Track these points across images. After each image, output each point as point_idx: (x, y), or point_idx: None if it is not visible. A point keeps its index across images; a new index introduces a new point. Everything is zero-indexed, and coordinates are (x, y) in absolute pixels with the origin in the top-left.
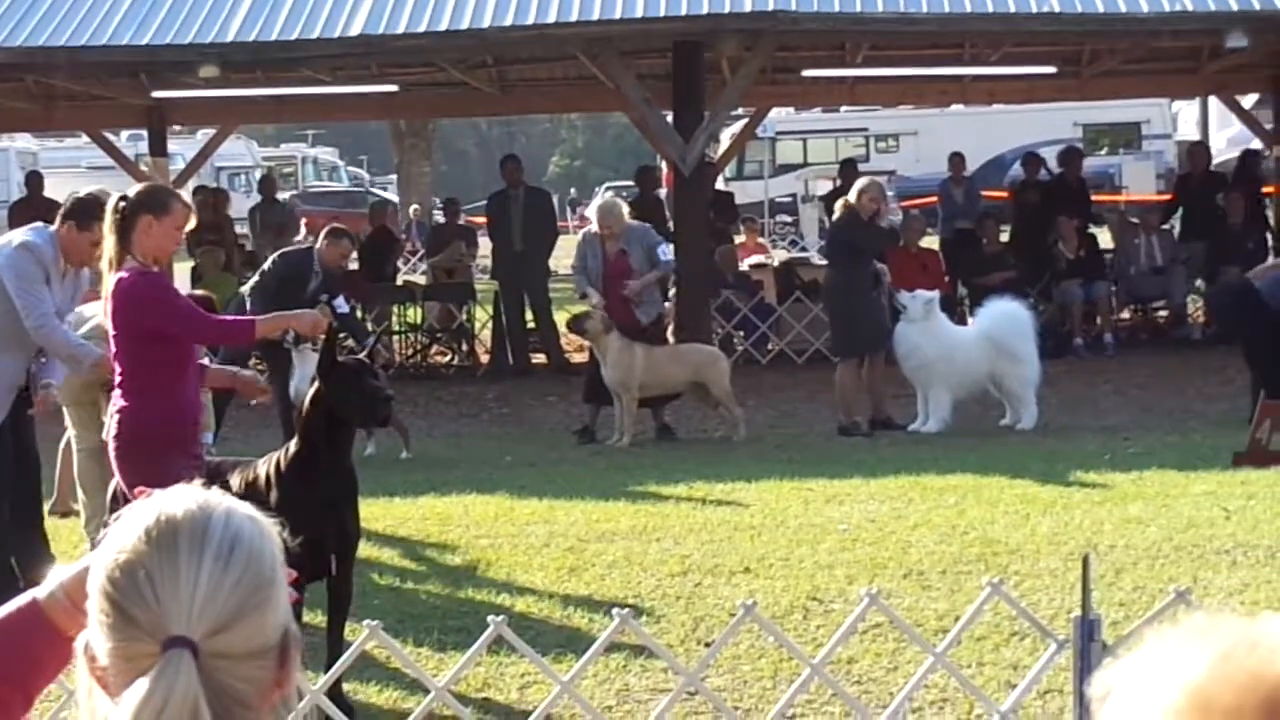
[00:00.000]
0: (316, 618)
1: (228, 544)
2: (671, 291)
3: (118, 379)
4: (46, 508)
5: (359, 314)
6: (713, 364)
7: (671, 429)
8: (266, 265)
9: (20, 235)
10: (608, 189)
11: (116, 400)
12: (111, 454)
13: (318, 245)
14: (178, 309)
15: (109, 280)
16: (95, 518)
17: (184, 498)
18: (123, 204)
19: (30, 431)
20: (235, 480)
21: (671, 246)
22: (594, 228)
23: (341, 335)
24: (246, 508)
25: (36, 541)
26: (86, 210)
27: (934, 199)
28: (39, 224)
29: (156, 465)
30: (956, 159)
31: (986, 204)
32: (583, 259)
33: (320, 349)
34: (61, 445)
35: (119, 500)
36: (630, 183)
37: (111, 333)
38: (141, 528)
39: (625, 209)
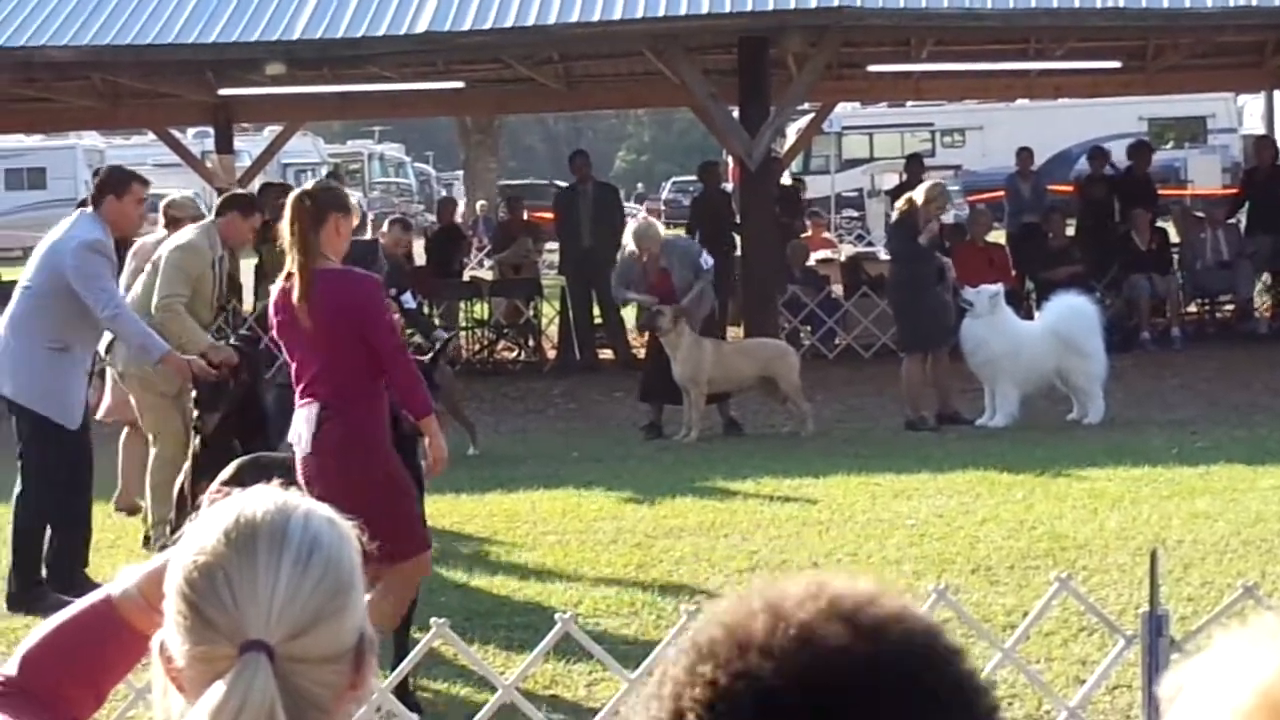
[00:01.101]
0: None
1: (307, 547)
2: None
3: (314, 383)
4: (111, 504)
5: (426, 309)
6: (782, 358)
7: (739, 424)
8: None
9: (77, 230)
10: (673, 183)
11: (319, 406)
12: (317, 465)
13: (381, 239)
14: (391, 319)
15: (302, 276)
16: (162, 523)
17: (263, 499)
18: (309, 201)
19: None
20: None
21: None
22: (631, 249)
23: (409, 332)
24: (325, 510)
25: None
26: (249, 201)
27: (1000, 194)
28: (86, 211)
29: (387, 469)
30: (1024, 154)
31: (1053, 198)
32: (624, 277)
33: None
34: (123, 438)
35: (185, 501)
36: (695, 178)
37: (305, 329)
38: (221, 529)
39: (660, 227)
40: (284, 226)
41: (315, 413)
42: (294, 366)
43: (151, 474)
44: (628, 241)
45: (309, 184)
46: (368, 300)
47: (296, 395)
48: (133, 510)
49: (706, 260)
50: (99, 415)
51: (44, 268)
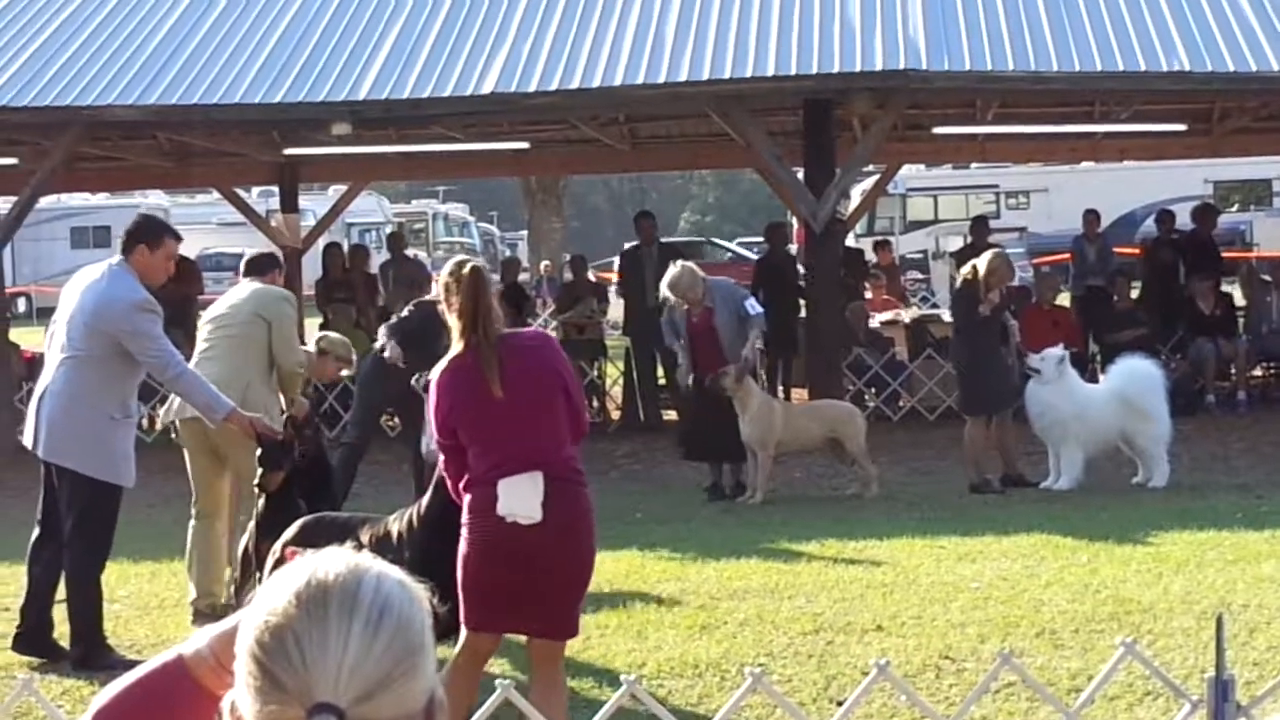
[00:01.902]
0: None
1: (377, 610)
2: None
3: (524, 454)
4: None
5: None
6: (849, 420)
7: (722, 489)
8: (399, 319)
9: (119, 290)
10: (739, 244)
11: (544, 476)
12: (554, 537)
13: None
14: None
15: (491, 347)
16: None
17: (335, 561)
18: (481, 271)
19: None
20: (365, 536)
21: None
22: (672, 299)
23: None
24: (397, 572)
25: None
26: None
27: (1065, 256)
28: (114, 265)
29: None
30: (1091, 216)
31: (1117, 261)
32: (670, 320)
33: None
34: None
35: (250, 560)
36: (760, 239)
37: (499, 402)
38: (292, 591)
39: (698, 272)
40: (459, 299)
41: (541, 482)
42: (479, 445)
43: (195, 540)
44: (664, 291)
45: (455, 259)
46: (561, 358)
47: (485, 469)
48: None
49: (753, 305)
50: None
51: (91, 332)
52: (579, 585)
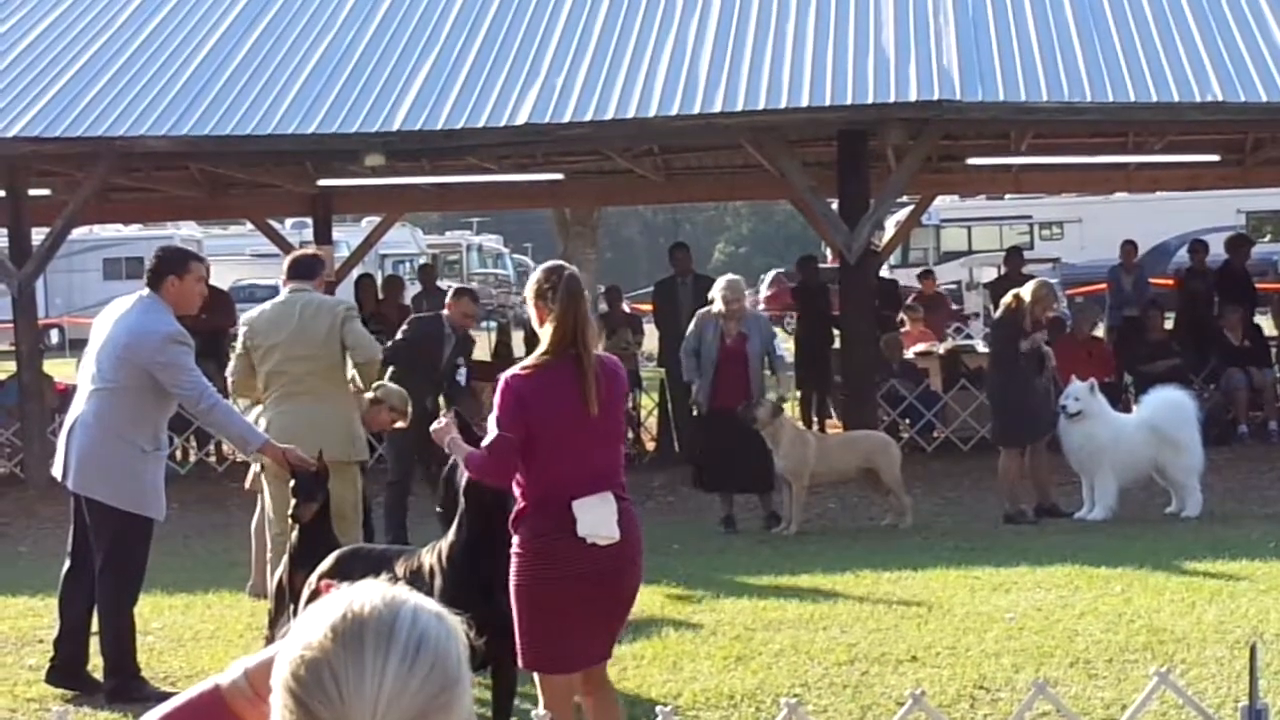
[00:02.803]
0: (482, 709)
1: (414, 643)
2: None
3: (599, 475)
4: (246, 590)
5: None
6: (884, 451)
7: (779, 517)
8: (400, 333)
9: (151, 322)
10: (776, 274)
11: (614, 497)
12: (627, 555)
13: (446, 311)
14: None
15: (591, 361)
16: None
17: (371, 594)
18: (570, 276)
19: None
20: (400, 568)
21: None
22: (716, 308)
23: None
24: (433, 605)
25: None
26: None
27: (1099, 286)
28: (145, 296)
29: None
30: (1129, 247)
31: (1151, 291)
32: (697, 339)
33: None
34: (254, 524)
35: (284, 592)
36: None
37: (593, 419)
38: (328, 624)
39: (741, 280)
40: (558, 307)
41: (614, 503)
42: (557, 458)
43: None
44: (715, 296)
45: (552, 263)
46: (627, 386)
47: (553, 484)
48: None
49: (780, 345)
50: (247, 484)
51: (123, 364)
52: (630, 607)
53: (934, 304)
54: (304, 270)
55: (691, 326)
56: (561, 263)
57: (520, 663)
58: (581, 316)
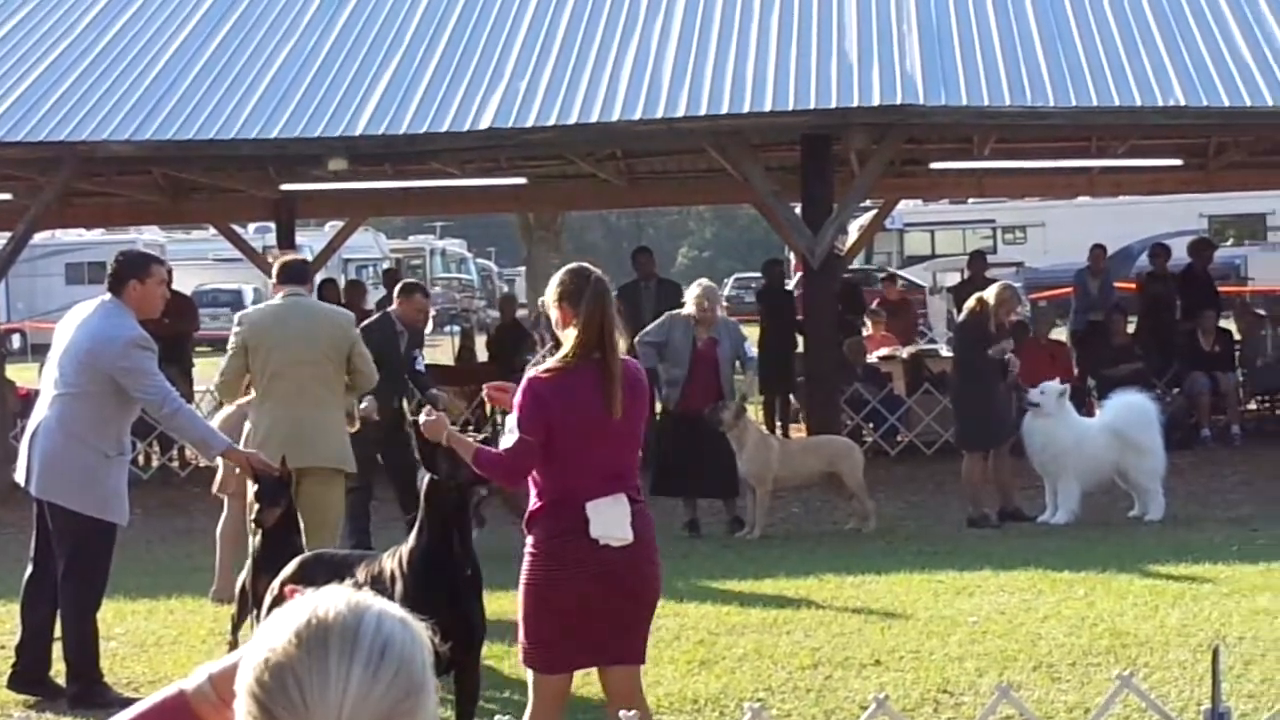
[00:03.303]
0: (446, 711)
1: (378, 649)
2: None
3: (617, 477)
4: (209, 595)
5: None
6: (847, 455)
7: (742, 522)
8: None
9: (114, 328)
10: (735, 279)
11: (627, 499)
12: (641, 554)
13: (393, 305)
14: None
15: (617, 364)
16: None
17: (336, 599)
18: (598, 279)
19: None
20: (361, 574)
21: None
22: (689, 310)
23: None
24: (398, 610)
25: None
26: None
27: (1062, 290)
28: (108, 301)
29: None
30: (1097, 250)
31: (1116, 296)
32: (663, 335)
33: (418, 441)
34: (220, 529)
35: (248, 598)
36: (759, 274)
37: (616, 422)
38: (293, 629)
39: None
40: (585, 309)
41: (627, 504)
42: (577, 460)
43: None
44: (689, 301)
45: (577, 265)
46: (649, 391)
47: (569, 485)
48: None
49: (750, 348)
50: (214, 488)
51: (86, 369)
52: (655, 607)
53: (898, 311)
54: (296, 274)
55: (658, 323)
56: (587, 265)
57: (521, 660)
58: (609, 320)
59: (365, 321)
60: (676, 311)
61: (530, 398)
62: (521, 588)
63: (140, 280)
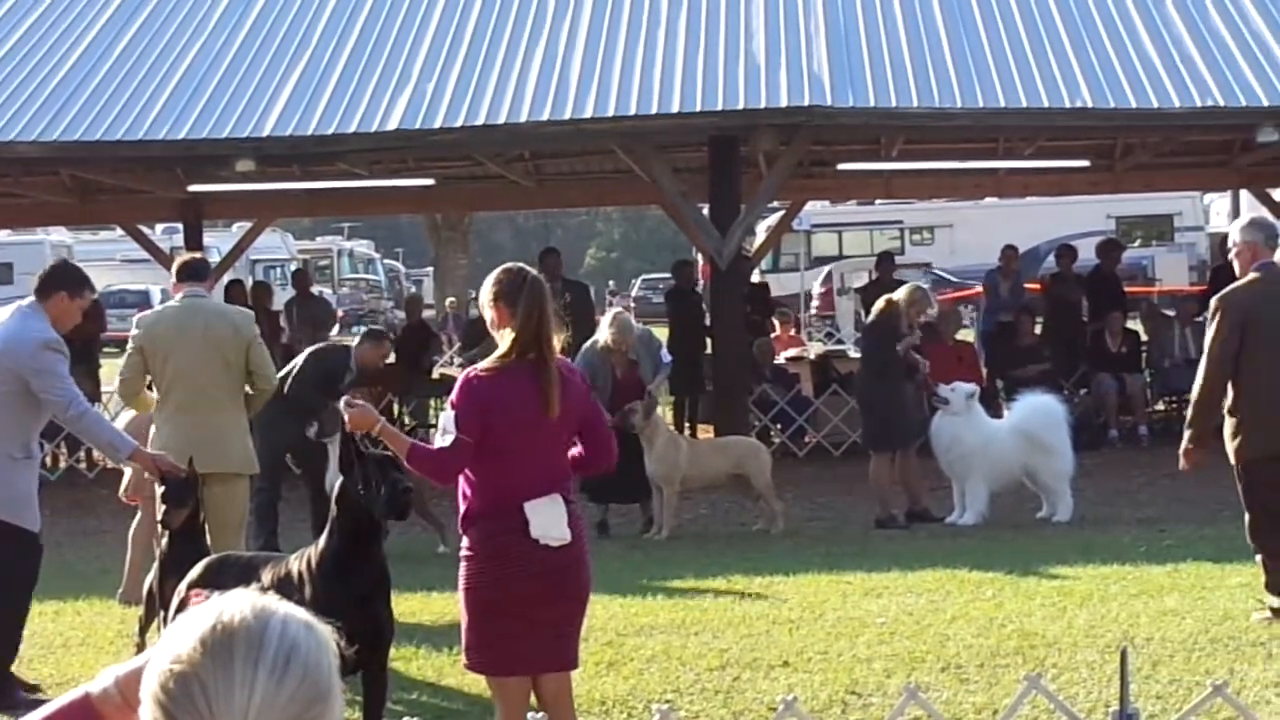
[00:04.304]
0: (354, 713)
1: (284, 656)
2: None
3: (550, 477)
4: (116, 597)
5: (395, 407)
6: (755, 456)
7: (608, 526)
8: (301, 360)
9: (28, 330)
10: (643, 280)
11: (562, 499)
12: (576, 556)
13: (356, 346)
14: None
15: (552, 362)
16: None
17: (241, 605)
18: (533, 280)
19: None
20: (267, 576)
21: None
22: (605, 341)
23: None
24: (304, 615)
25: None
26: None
27: (970, 291)
28: (24, 305)
29: None
30: (1008, 251)
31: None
32: (583, 368)
33: (340, 443)
34: (132, 531)
35: (154, 600)
36: (667, 274)
37: (550, 421)
38: (197, 636)
39: (631, 318)
40: (521, 310)
41: (563, 505)
42: (512, 459)
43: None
44: (604, 333)
45: (514, 265)
46: (590, 388)
47: (506, 486)
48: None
49: (665, 355)
50: (121, 493)
51: None
52: (585, 609)
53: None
54: (195, 273)
55: (581, 357)
56: (522, 265)
57: (466, 666)
58: (545, 320)
59: (326, 346)
60: (591, 343)
61: (467, 396)
62: (462, 592)
63: (70, 296)
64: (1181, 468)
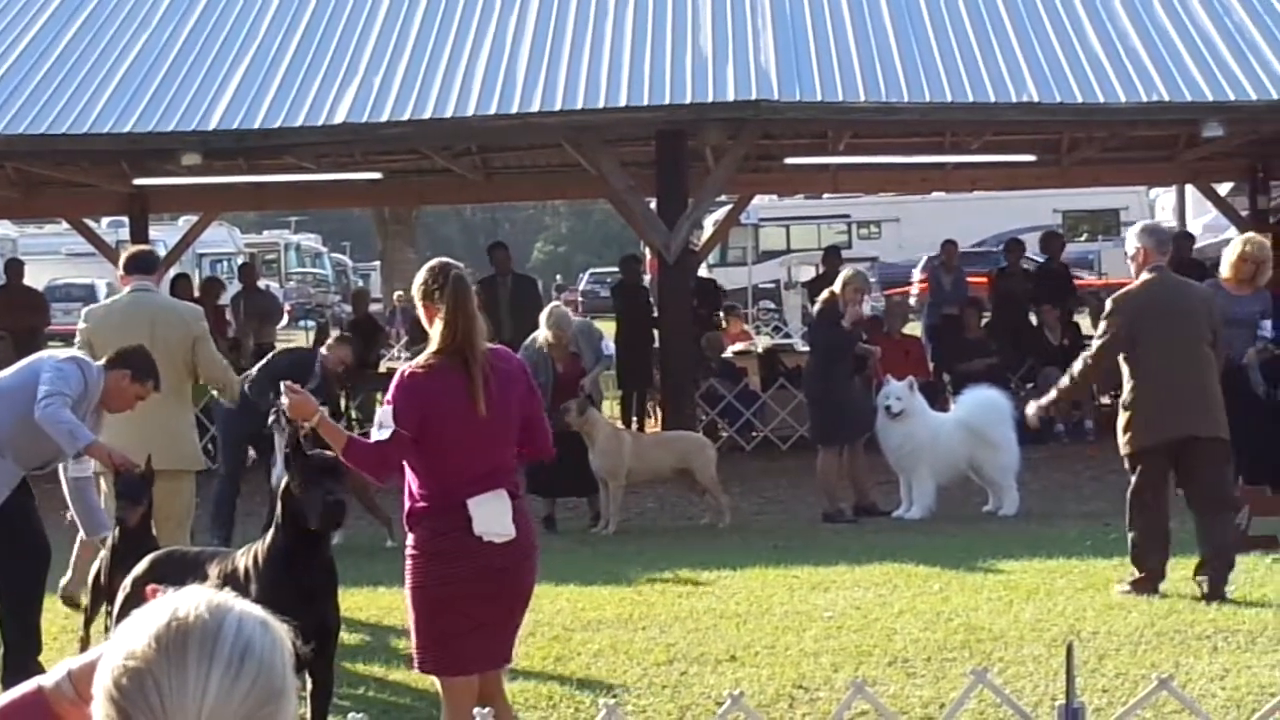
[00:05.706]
0: (300, 709)
1: (239, 653)
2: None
3: (492, 473)
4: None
5: (342, 402)
6: (699, 451)
7: (555, 521)
8: (267, 360)
9: (58, 364)
10: (591, 274)
11: (507, 495)
12: (522, 552)
13: (323, 350)
14: None
15: (480, 359)
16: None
17: (196, 601)
18: (466, 280)
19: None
20: (213, 571)
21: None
22: (543, 336)
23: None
24: (259, 612)
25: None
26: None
27: (915, 285)
28: (84, 357)
29: None
30: (949, 245)
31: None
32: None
33: (287, 441)
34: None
35: (101, 592)
36: (614, 268)
37: (481, 419)
38: (151, 632)
39: (568, 312)
40: (445, 308)
41: (508, 500)
42: (449, 456)
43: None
44: (542, 328)
45: (438, 262)
46: (528, 380)
47: (449, 483)
48: (75, 602)
49: (608, 345)
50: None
51: None
52: (527, 606)
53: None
54: (144, 265)
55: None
56: (447, 260)
57: (417, 667)
58: (469, 316)
59: (297, 347)
60: (531, 340)
61: (404, 391)
62: (409, 591)
63: (133, 379)
64: (1031, 425)
